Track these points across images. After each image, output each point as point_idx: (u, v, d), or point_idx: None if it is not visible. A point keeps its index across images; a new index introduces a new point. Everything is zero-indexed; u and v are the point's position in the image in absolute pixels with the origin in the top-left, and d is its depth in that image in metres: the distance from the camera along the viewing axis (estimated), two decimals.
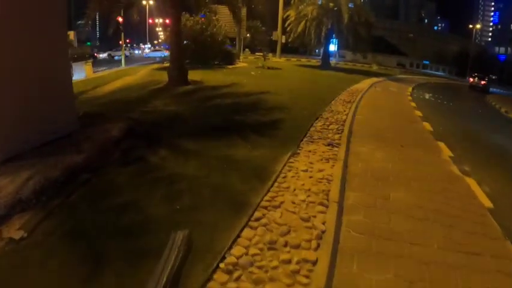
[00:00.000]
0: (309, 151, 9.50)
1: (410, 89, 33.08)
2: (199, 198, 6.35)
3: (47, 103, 7.65)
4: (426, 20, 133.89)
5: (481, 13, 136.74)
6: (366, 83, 29.69)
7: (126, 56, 69.69)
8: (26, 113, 7.10)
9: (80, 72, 26.76)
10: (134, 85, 19.38)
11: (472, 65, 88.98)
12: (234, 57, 34.54)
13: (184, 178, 7.04)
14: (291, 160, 8.65)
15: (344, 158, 9.25)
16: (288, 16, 43.00)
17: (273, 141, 9.83)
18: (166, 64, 32.75)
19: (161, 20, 79.25)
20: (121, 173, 7.29)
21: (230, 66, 32.02)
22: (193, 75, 22.34)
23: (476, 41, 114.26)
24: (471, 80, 49.34)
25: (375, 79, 35.08)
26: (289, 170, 8.05)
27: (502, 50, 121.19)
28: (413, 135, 13.43)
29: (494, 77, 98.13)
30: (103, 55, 75.28)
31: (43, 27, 7.50)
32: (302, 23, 39.06)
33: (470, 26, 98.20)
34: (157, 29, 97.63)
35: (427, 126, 15.07)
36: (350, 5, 36.87)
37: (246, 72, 28.20)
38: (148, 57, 63.07)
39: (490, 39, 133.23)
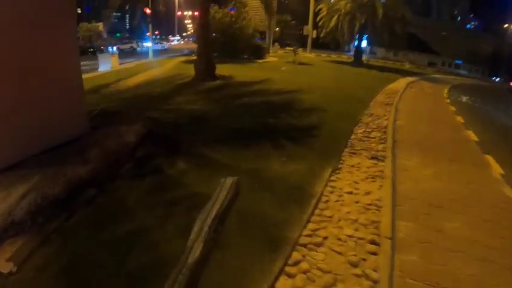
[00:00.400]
0: (352, 166, 8.17)
1: (446, 90, 31.28)
2: (224, 230, 5.12)
3: (51, 104, 6.49)
4: (459, 18, 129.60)
5: None
6: (401, 82, 27.95)
7: (134, 49, 69.72)
8: (25, 116, 5.96)
9: (106, 64, 25.97)
10: (159, 79, 18.31)
11: (507, 67, 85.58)
12: (263, 51, 33.22)
13: (207, 200, 5.81)
14: (332, 178, 7.36)
15: (392, 175, 7.89)
16: (319, 10, 41.32)
17: (310, 152, 8.51)
18: (194, 57, 31.77)
19: (190, 13, 78.52)
20: (133, 189, 6.11)
21: (260, 61, 30.72)
22: (221, 69, 21.17)
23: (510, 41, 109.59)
24: None
25: (409, 78, 33.21)
26: (332, 192, 6.76)
27: None
28: (459, 146, 11.92)
29: None
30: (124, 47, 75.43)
31: (43, 19, 6.28)
32: (334, 18, 37.34)
33: (506, 25, 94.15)
34: (186, 21, 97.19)
35: (471, 135, 13.48)
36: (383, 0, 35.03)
37: (276, 67, 26.85)
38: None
39: None
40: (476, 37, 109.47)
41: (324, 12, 39.45)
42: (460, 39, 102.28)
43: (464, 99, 27.79)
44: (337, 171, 7.71)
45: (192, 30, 63.77)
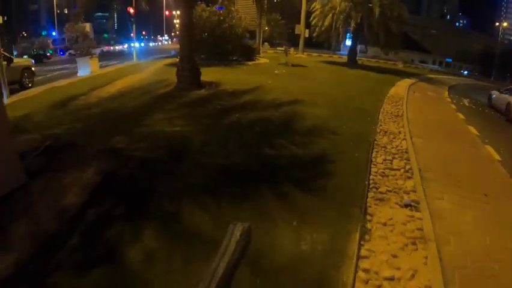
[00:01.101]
0: (384, 224, 5.93)
1: (446, 93, 29.58)
2: None
3: None
4: (448, 17, 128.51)
5: (504, 10, 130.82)
6: (401, 86, 25.87)
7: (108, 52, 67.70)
8: None
9: (86, 68, 23.57)
10: (137, 87, 15.94)
11: (498, 65, 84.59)
12: (254, 52, 30.86)
13: None
14: (362, 251, 5.11)
15: (433, 234, 5.73)
16: (312, 9, 39.09)
17: (326, 204, 6.20)
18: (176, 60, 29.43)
19: (178, 12, 75.99)
20: None
21: (250, 63, 28.39)
22: (209, 74, 18.92)
23: (499, 39, 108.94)
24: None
25: (408, 80, 31.21)
26: (367, 282, 4.53)
27: None
28: (484, 170, 9.96)
29: None
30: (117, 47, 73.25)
31: None
32: (329, 17, 35.12)
33: (497, 23, 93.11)
34: (175, 21, 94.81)
35: (491, 151, 11.75)
36: None
37: (269, 70, 24.54)
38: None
39: None
40: (466, 35, 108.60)
41: (318, 11, 37.22)
42: (450, 37, 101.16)
43: (467, 102, 26.14)
44: (366, 236, 5.46)
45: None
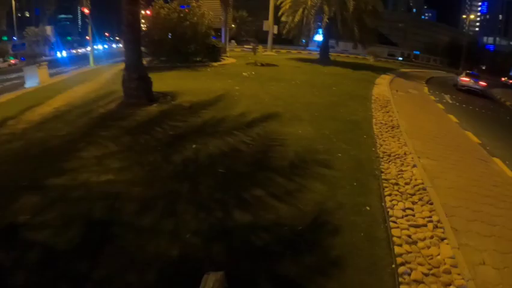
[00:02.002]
0: None
1: (427, 89, 27.52)
2: None
3: None
4: (414, 10, 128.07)
5: (468, 3, 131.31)
6: (381, 84, 23.37)
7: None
8: None
9: (34, 78, 20.08)
10: (79, 104, 12.62)
11: (464, 56, 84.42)
12: (220, 52, 27.68)
13: None
14: None
15: None
16: (281, 4, 36.23)
17: None
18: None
19: (143, 12, 72.13)
20: None
21: (216, 64, 25.30)
22: (166, 80, 16.03)
23: (464, 31, 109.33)
24: (465, 79, 32.10)
25: (385, 77, 28.81)
26: None
27: (490, 40, 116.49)
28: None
29: (483, 68, 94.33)
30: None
31: None
32: (299, 12, 32.22)
33: (464, 16, 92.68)
34: (143, 20, 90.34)
35: (502, 167, 10.18)
36: None
37: (236, 72, 21.50)
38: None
39: (477, 29, 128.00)
40: (432, 28, 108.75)
41: (287, 6, 34.34)
42: (417, 30, 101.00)
43: (450, 100, 24.77)
44: None
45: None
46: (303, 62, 33.74)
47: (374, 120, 12.44)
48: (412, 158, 9.00)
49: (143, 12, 24.35)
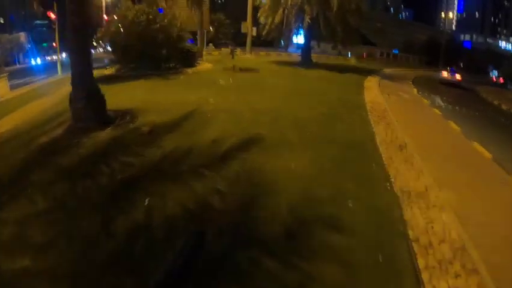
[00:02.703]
0: None
1: (416, 91, 25.70)
2: None
3: None
4: (392, 9, 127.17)
5: (445, 2, 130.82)
6: (371, 88, 21.37)
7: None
8: None
9: None
10: (25, 129, 10.12)
11: (443, 54, 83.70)
12: (195, 56, 25.17)
13: None
14: None
15: None
16: (259, 4, 33.92)
17: None
18: (109, 70, 23.65)
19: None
20: None
21: (190, 70, 22.83)
22: (130, 92, 13.84)
23: (441, 29, 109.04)
24: (445, 75, 40.85)
25: (372, 79, 26.92)
26: None
27: (467, 37, 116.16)
28: None
29: (461, 65, 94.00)
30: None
31: None
32: (279, 12, 29.92)
33: (443, 14, 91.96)
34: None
35: None
36: None
37: (212, 79, 19.05)
38: None
39: (454, 27, 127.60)
40: (410, 27, 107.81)
41: (267, 6, 32.01)
42: (395, 29, 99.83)
43: (441, 102, 23.25)
44: None
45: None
46: (285, 65, 31.45)
47: (377, 138, 10.26)
48: (436, 195, 6.86)
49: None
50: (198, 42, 31.08)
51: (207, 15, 38.65)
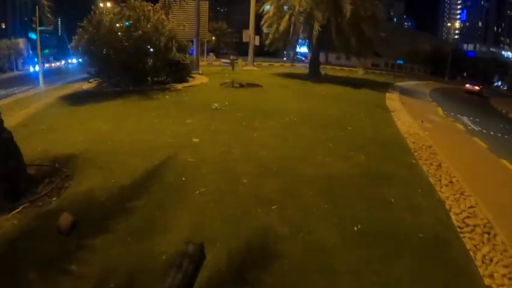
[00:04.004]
0: None
1: (440, 110, 21.78)
2: None
3: None
4: (395, 19, 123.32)
5: (447, 11, 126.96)
6: (398, 111, 17.07)
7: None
8: None
9: None
10: None
11: (445, 63, 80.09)
12: (187, 69, 20.81)
13: None
14: None
15: None
16: (263, 11, 29.64)
17: None
18: (88, 86, 19.45)
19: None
20: None
21: (180, 86, 18.51)
22: (91, 121, 10.09)
23: (443, 38, 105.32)
24: (468, 86, 51.03)
25: (392, 96, 22.78)
26: None
27: (470, 47, 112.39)
28: None
29: (465, 74, 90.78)
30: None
31: None
32: (285, 19, 25.62)
33: (449, 24, 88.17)
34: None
35: None
36: None
37: (205, 100, 14.67)
38: None
39: (456, 36, 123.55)
40: (414, 37, 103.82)
41: (271, 13, 27.73)
42: (400, 39, 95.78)
43: (470, 123, 19.89)
44: None
45: None
46: (291, 78, 27.09)
47: (453, 217, 5.92)
48: None
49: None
50: (194, 52, 26.77)
51: (205, 24, 34.51)
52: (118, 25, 17.42)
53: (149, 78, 18.73)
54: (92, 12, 17.40)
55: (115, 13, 17.30)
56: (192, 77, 22.53)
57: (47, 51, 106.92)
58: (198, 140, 8.87)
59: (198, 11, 26.69)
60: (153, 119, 11.20)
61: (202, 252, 3.44)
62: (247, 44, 36.62)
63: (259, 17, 31.53)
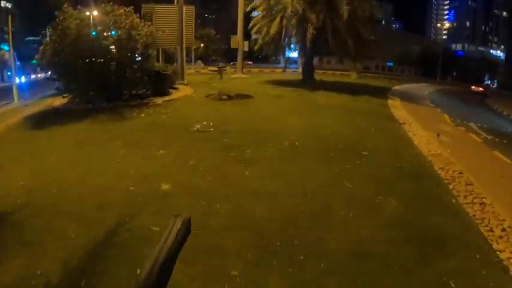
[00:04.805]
0: None
1: (447, 117, 19.22)
2: None
3: None
4: (383, 22, 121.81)
5: (435, 12, 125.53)
6: (409, 123, 14.74)
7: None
8: None
9: None
10: None
11: (436, 64, 78.91)
12: (168, 80, 18.29)
13: None
14: None
15: None
16: (253, 14, 27.29)
17: None
18: (61, 101, 17.01)
19: None
20: None
21: (160, 101, 16.03)
22: (40, 156, 7.86)
23: (432, 39, 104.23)
24: (473, 87, 55.59)
25: (394, 104, 20.51)
26: None
27: (459, 47, 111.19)
28: None
29: (454, 74, 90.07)
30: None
31: None
32: (276, 21, 23.30)
33: (438, 24, 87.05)
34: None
35: None
36: None
37: (185, 119, 12.18)
38: None
39: (445, 37, 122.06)
40: (402, 38, 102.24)
41: (261, 16, 25.38)
42: (390, 41, 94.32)
43: (482, 131, 17.00)
44: None
45: None
46: (283, 86, 24.67)
47: None
48: None
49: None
50: (178, 60, 24.29)
51: (191, 30, 32.08)
52: (88, 32, 14.94)
53: (125, 92, 16.28)
54: (56, 18, 14.84)
55: (81, 19, 14.75)
56: (176, 88, 20.09)
57: (35, 61, 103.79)
58: (168, 186, 6.40)
59: (182, 16, 24.20)
60: (118, 150, 8.73)
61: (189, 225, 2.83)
62: (236, 50, 34.20)
63: (248, 22, 29.16)
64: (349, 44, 22.30)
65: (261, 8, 25.24)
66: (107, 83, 15.11)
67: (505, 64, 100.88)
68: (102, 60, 14.95)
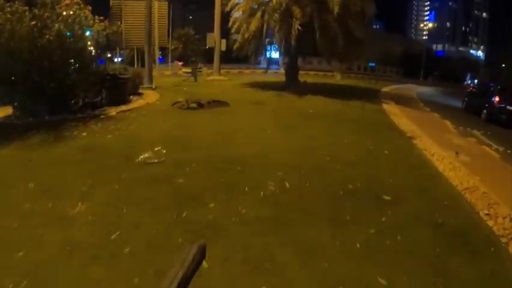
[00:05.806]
0: None
1: (449, 124, 16.54)
2: None
3: None
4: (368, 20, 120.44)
5: (415, 13, 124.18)
6: (418, 137, 11.98)
7: None
8: None
9: None
10: None
11: (417, 64, 77.44)
12: (126, 86, 15.05)
13: None
14: None
15: None
16: (233, 9, 24.13)
17: None
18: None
19: None
20: None
21: (114, 111, 12.81)
22: None
23: (414, 39, 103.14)
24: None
25: (392, 110, 17.89)
26: None
27: (439, 47, 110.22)
28: None
29: (436, 73, 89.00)
30: None
31: None
32: (257, 17, 20.24)
33: (422, 25, 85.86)
34: None
35: None
36: None
37: (133, 141, 9.14)
38: None
39: (425, 37, 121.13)
40: (383, 39, 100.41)
41: (241, 10, 22.27)
42: (372, 42, 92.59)
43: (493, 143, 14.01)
44: None
45: None
46: (265, 89, 21.62)
47: None
48: None
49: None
50: (146, 61, 21.05)
51: (164, 27, 28.98)
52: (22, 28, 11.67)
53: (73, 102, 13.07)
54: None
55: (12, 12, 11.45)
56: (140, 93, 16.92)
57: None
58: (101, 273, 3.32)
59: (150, 10, 21.01)
60: (23, 203, 5.48)
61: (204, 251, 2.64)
62: (213, 50, 30.99)
63: (226, 20, 26.05)
64: (339, 42, 19.38)
65: (243, 3, 22.08)
66: (44, 91, 11.86)
67: (485, 64, 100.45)
68: (38, 63, 11.66)
